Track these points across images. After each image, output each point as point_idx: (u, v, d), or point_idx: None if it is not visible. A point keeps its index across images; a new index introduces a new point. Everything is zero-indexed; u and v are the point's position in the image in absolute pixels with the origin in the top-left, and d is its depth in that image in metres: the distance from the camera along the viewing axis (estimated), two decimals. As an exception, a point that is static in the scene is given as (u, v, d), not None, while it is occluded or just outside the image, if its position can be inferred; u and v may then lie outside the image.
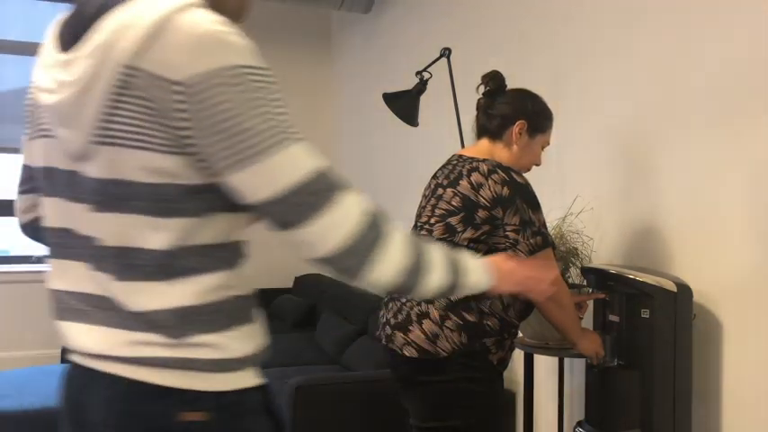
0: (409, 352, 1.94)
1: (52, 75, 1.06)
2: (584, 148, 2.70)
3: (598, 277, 2.19)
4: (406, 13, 4.25)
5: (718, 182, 2.09)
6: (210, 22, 0.97)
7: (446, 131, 3.06)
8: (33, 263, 4.83)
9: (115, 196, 1.01)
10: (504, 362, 2.03)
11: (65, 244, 1.10)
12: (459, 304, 1.92)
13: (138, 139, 0.98)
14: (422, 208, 2.10)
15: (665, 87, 2.30)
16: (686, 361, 2.00)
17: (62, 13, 1.16)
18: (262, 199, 0.99)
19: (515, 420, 3.11)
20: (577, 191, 2.68)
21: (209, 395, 1.04)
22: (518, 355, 2.82)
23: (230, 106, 0.96)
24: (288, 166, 0.99)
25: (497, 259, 1.33)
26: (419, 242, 1.13)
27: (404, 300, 2.01)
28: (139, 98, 0.96)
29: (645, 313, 2.01)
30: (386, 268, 1.07)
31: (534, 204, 1.96)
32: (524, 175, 2.03)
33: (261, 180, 0.98)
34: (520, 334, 2.52)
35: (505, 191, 1.92)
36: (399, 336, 1.97)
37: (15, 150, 4.78)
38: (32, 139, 1.14)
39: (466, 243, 1.92)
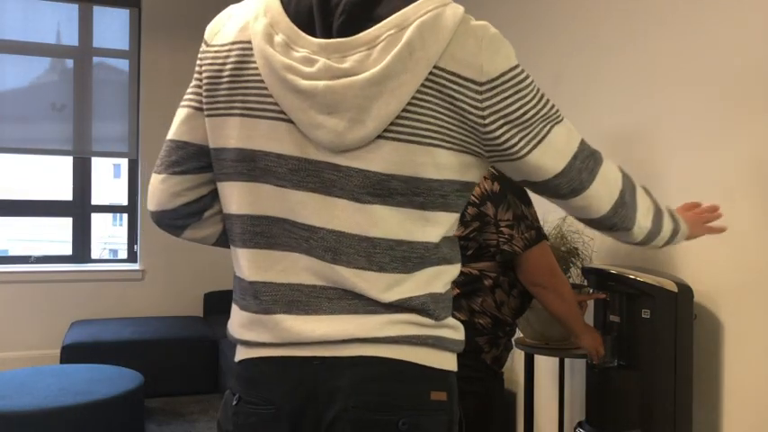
0: None
1: (302, 57, 1.01)
2: (585, 148, 2.70)
3: (599, 277, 2.18)
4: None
5: (719, 182, 2.09)
6: (487, 24, 1.08)
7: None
8: (32, 263, 4.82)
9: (396, 191, 1.02)
10: (500, 361, 2.00)
11: (270, 233, 1.06)
12: None
13: (435, 137, 1.01)
14: None
15: (665, 87, 2.30)
16: (687, 361, 2.00)
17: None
18: (559, 170, 1.09)
19: (516, 420, 3.11)
20: (578, 191, 2.68)
21: (451, 375, 1.08)
22: (518, 356, 2.81)
23: (522, 98, 1.05)
24: (568, 138, 1.11)
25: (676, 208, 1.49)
26: (649, 191, 1.34)
27: None
28: (442, 98, 1.00)
29: (645, 313, 2.00)
30: (644, 215, 1.27)
31: (525, 198, 1.95)
32: None
33: (555, 153, 1.09)
34: (520, 334, 2.52)
35: (495, 186, 1.90)
36: None
37: (15, 150, 4.77)
38: (220, 116, 1.07)
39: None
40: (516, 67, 1.07)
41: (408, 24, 0.99)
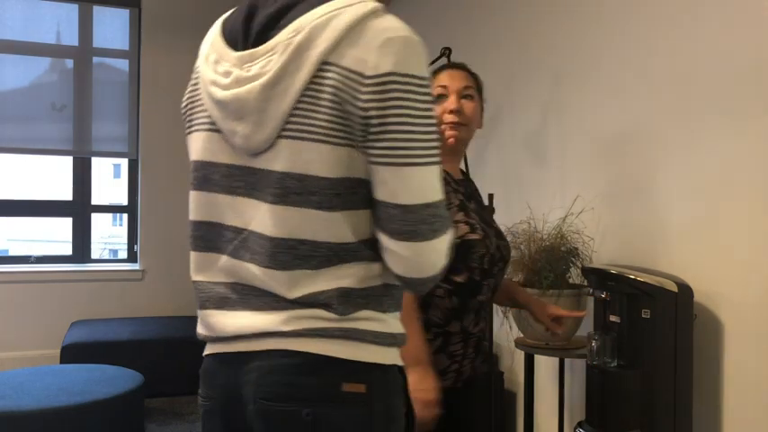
0: None
1: (224, 70, 1.10)
2: (585, 148, 2.69)
3: (599, 277, 2.18)
4: (406, 13, 4.24)
5: (719, 182, 2.09)
6: (400, 26, 1.06)
7: (446, 131, 3.05)
8: (32, 263, 4.82)
9: (292, 190, 1.05)
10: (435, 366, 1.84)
11: (207, 237, 1.15)
12: None
13: (321, 132, 1.03)
14: None
15: (666, 87, 2.30)
16: (687, 361, 2.00)
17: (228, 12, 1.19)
18: (403, 203, 1.05)
19: (515, 420, 3.11)
20: (578, 191, 2.67)
21: (370, 367, 1.07)
22: (518, 356, 2.81)
23: (406, 108, 1.02)
24: (430, 183, 1.06)
25: None
26: None
27: None
28: (329, 91, 1.02)
29: (646, 313, 2.00)
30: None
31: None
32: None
33: (409, 186, 1.04)
34: (520, 334, 2.52)
35: None
36: None
37: (15, 150, 4.77)
38: (189, 134, 1.20)
39: None
40: (415, 77, 1.03)
41: (304, 27, 1.04)
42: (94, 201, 4.98)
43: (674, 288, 1.98)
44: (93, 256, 5.02)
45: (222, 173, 1.12)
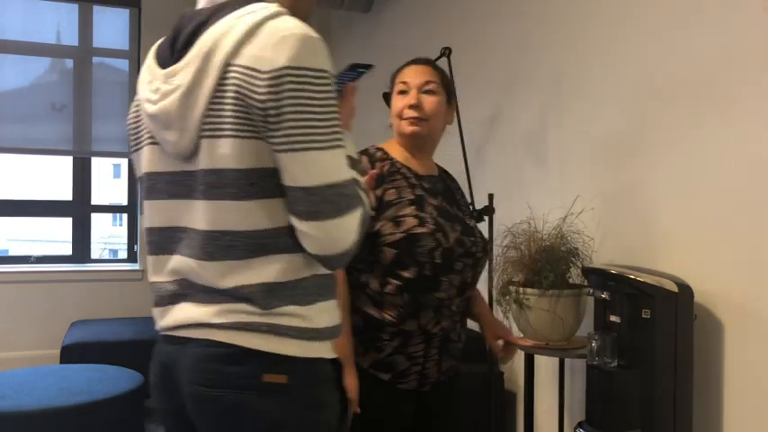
0: None
1: (154, 88, 1.22)
2: (586, 148, 2.69)
3: (599, 277, 2.18)
4: (406, 13, 4.24)
5: (720, 182, 2.09)
6: (297, 25, 1.13)
7: (446, 130, 3.05)
8: (32, 263, 4.82)
9: (213, 184, 1.15)
10: (389, 366, 1.81)
11: (159, 241, 1.26)
12: None
13: (230, 128, 1.13)
14: None
15: (666, 86, 2.30)
16: (687, 361, 2.00)
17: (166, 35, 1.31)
18: (306, 185, 1.12)
19: (516, 421, 3.11)
20: (578, 191, 2.67)
21: (289, 359, 1.16)
22: (518, 356, 2.81)
23: (302, 99, 1.11)
24: (331, 165, 1.14)
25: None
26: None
27: None
28: (233, 90, 1.12)
29: (646, 313, 2.00)
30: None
31: None
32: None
33: (306, 168, 1.12)
34: (520, 334, 2.52)
35: None
36: None
37: (15, 150, 4.77)
38: (135, 151, 1.32)
39: None
40: (310, 69, 1.11)
41: (212, 37, 1.15)
42: (94, 201, 4.98)
43: (674, 288, 1.97)
44: (93, 256, 5.02)
45: (166, 180, 1.23)
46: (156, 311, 1.29)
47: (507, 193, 3.11)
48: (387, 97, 2.12)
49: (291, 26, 1.13)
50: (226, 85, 1.12)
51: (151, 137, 1.25)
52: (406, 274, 1.79)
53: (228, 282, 1.16)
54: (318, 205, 1.13)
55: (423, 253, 1.79)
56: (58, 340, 4.50)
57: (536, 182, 2.99)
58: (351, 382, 1.77)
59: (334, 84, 1.15)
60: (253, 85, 1.10)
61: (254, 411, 1.15)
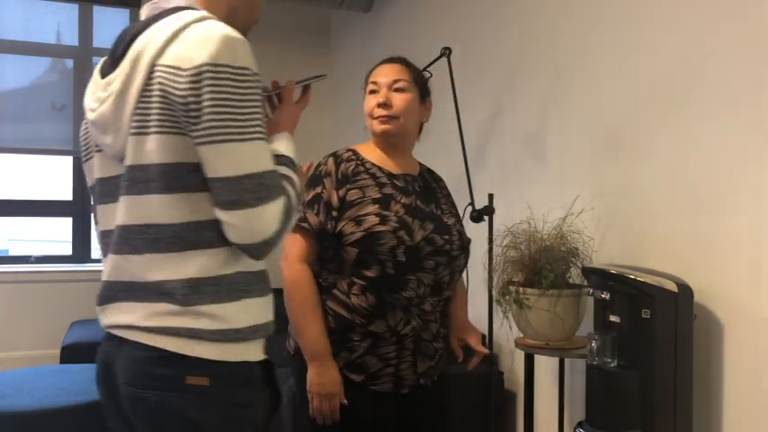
0: None
1: (96, 96, 1.28)
2: (586, 148, 2.69)
3: (599, 277, 2.18)
4: (406, 13, 4.24)
5: (720, 182, 2.09)
6: (219, 27, 1.18)
7: (446, 130, 3.05)
8: (32, 263, 4.82)
9: (138, 179, 1.20)
10: (361, 367, 1.81)
11: (106, 243, 1.32)
12: None
13: (155, 124, 1.18)
14: None
15: (668, 85, 2.30)
16: (687, 361, 2.00)
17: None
18: (224, 176, 1.16)
19: (515, 421, 3.11)
20: (578, 191, 2.67)
21: (210, 363, 1.21)
22: (518, 356, 2.82)
23: (221, 94, 1.15)
24: (250, 156, 1.18)
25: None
26: None
27: None
28: (158, 88, 1.17)
29: (645, 313, 2.00)
30: None
31: (309, 180, 1.87)
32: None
33: (224, 159, 1.16)
34: (520, 334, 2.52)
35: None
36: None
37: (15, 150, 4.77)
38: (86, 161, 1.38)
39: None
40: (229, 66, 1.16)
41: (142, 42, 1.21)
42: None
43: (674, 288, 1.98)
44: (93, 256, 5.02)
45: (113, 183, 1.27)
46: (97, 310, 1.37)
47: (507, 193, 3.11)
48: None
49: (216, 27, 1.18)
50: (152, 84, 1.18)
51: (96, 144, 1.31)
52: (368, 274, 1.78)
53: (154, 275, 1.21)
54: (238, 194, 1.16)
55: (384, 251, 1.78)
56: (58, 340, 4.49)
57: (536, 182, 2.99)
58: (329, 376, 1.76)
59: (257, 82, 1.19)
60: (175, 82, 1.16)
61: (177, 412, 1.21)
